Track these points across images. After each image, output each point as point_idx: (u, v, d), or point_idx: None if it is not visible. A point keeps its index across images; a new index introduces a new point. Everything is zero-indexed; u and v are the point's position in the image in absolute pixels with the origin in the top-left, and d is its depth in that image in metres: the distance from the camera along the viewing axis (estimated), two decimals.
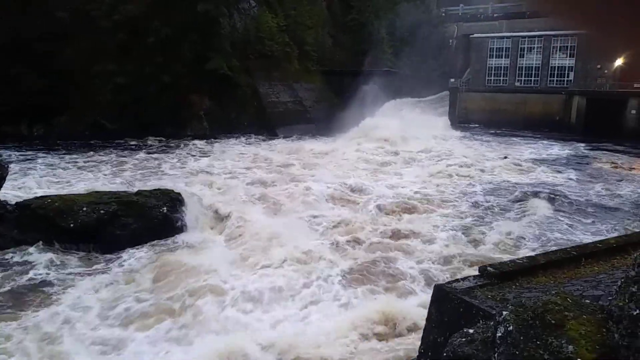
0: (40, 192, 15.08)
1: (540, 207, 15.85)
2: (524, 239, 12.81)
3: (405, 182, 19.86)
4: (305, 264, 11.01)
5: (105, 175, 19.99)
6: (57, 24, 27.66)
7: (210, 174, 20.71)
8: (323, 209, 15.69)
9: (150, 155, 25.16)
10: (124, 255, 11.56)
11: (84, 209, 11.92)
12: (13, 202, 12.38)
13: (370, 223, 14.13)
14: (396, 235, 13.11)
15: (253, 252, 11.64)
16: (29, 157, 22.80)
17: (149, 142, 28.92)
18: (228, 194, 16.64)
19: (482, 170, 22.80)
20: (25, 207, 11.98)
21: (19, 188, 16.17)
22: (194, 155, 25.59)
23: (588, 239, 11.89)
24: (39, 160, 22.17)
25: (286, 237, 12.20)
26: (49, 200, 12.20)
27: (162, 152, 26.35)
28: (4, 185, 12.39)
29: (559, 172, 23.23)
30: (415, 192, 17.99)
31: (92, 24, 28.96)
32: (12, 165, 15.82)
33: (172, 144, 28.58)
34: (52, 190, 15.82)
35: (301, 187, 17.87)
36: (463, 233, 13.40)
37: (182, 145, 28.29)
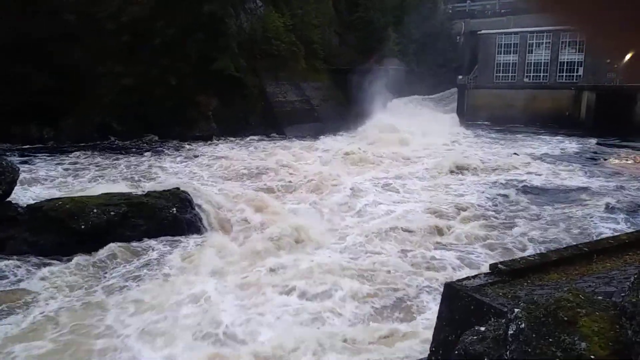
0: (51, 195, 15.16)
1: (565, 210, 15.40)
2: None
3: (415, 188, 18.73)
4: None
5: (114, 176, 20.05)
6: (64, 26, 27.85)
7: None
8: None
9: (158, 155, 25.26)
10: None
11: (95, 210, 11.99)
12: (24, 205, 12.49)
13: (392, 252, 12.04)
14: (418, 265, 11.17)
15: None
16: (39, 158, 22.97)
17: (156, 143, 28.97)
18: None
19: (495, 169, 22.27)
20: (36, 209, 12.07)
21: (30, 190, 16.26)
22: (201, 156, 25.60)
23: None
24: (49, 162, 22.33)
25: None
26: (60, 203, 12.28)
27: (170, 152, 26.42)
28: (15, 187, 12.50)
29: (577, 169, 22.73)
30: (429, 202, 16.36)
31: (98, 25, 29.11)
32: (22, 168, 15.98)
33: (179, 145, 28.65)
34: (64, 192, 15.91)
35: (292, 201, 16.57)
36: (495, 250, 12.00)
37: (187, 147, 28.30)
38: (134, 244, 11.87)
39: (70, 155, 24.10)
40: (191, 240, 12.49)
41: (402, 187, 18.87)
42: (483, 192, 17.89)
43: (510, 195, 17.30)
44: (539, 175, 21.38)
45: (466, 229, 13.51)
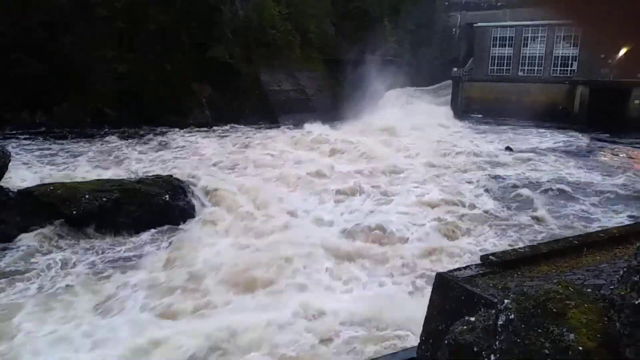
0: (43, 180, 15.02)
1: (561, 205, 15.35)
2: None
3: (407, 185, 17.62)
4: None
5: (107, 162, 19.90)
6: (57, 12, 27.51)
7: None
8: None
9: (152, 143, 25.10)
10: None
11: (87, 196, 11.94)
12: (15, 190, 12.40)
13: None
14: None
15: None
16: (31, 144, 22.76)
17: (148, 131, 28.52)
18: None
19: (489, 164, 21.95)
20: (27, 194, 12.01)
21: (22, 177, 16.09)
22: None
23: None
24: (41, 148, 22.15)
25: None
26: (52, 188, 12.22)
27: (156, 140, 26.15)
28: (7, 172, 12.40)
29: (571, 163, 22.71)
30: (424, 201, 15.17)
31: (91, 11, 28.76)
32: (13, 153, 15.82)
33: (173, 133, 28.41)
34: (55, 178, 15.78)
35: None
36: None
37: (174, 135, 27.96)
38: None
39: (56, 142, 23.85)
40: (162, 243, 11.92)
41: (393, 185, 17.58)
42: (478, 188, 17.50)
43: (506, 190, 17.01)
44: (533, 169, 21.23)
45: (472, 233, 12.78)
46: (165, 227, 12.57)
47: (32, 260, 10.31)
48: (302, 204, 15.12)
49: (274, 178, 17.79)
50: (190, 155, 22.43)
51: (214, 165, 20.12)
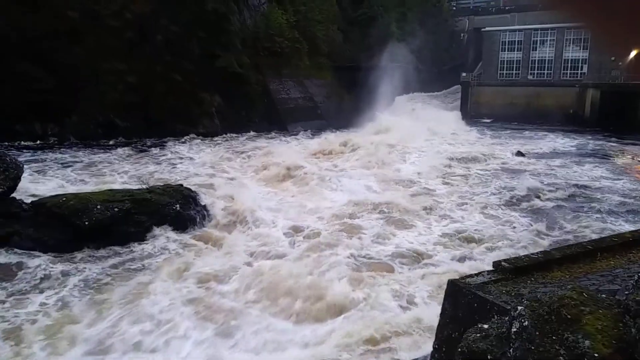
0: (55, 191, 15.11)
1: (576, 209, 15.05)
2: None
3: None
4: None
5: (118, 173, 20.05)
6: (68, 23, 27.84)
7: None
8: None
9: (161, 152, 25.26)
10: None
11: (98, 207, 11.99)
12: (29, 201, 12.52)
13: None
14: None
15: None
16: (42, 156, 22.94)
17: (158, 141, 28.75)
18: None
19: (504, 170, 21.59)
20: (40, 205, 12.09)
21: (35, 187, 16.23)
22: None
23: None
24: (53, 159, 22.30)
25: None
26: (64, 199, 12.28)
27: (167, 150, 26.30)
28: (20, 184, 12.52)
29: (584, 167, 22.41)
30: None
31: (101, 23, 29.08)
32: (26, 165, 15.98)
33: (181, 143, 28.63)
34: (67, 189, 15.91)
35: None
36: None
37: (189, 143, 28.29)
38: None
39: (68, 153, 23.94)
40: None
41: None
42: (494, 197, 16.95)
43: (519, 197, 16.54)
44: (549, 175, 20.72)
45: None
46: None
47: (43, 272, 10.30)
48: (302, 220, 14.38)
49: (278, 190, 17.84)
50: (198, 165, 22.47)
51: (221, 175, 20.17)
